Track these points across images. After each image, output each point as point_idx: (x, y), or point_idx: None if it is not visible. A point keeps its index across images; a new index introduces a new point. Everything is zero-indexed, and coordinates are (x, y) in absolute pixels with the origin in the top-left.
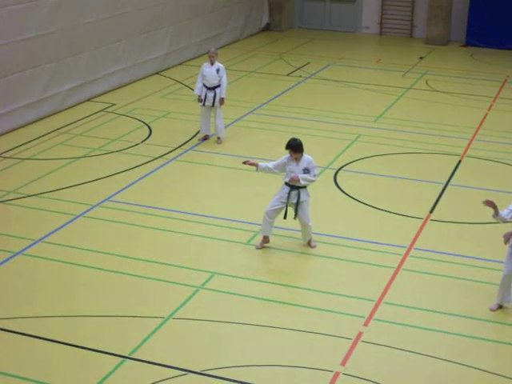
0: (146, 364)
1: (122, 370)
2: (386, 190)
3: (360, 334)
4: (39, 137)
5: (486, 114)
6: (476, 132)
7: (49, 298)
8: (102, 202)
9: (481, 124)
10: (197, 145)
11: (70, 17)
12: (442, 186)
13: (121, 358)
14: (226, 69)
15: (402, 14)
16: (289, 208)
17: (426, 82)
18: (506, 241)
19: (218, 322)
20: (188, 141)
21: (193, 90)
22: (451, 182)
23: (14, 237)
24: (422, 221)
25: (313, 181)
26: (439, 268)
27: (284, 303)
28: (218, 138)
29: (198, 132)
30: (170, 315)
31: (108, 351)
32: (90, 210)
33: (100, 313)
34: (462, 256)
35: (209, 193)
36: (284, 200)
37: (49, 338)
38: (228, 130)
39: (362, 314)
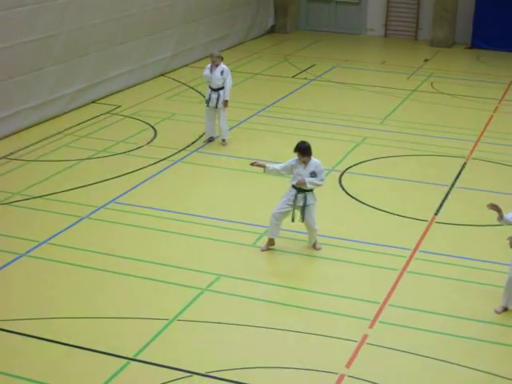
0: (150, 366)
1: (126, 371)
2: (391, 192)
3: (365, 336)
4: (44, 139)
5: (492, 116)
6: (481, 134)
7: (54, 300)
8: (107, 203)
9: (486, 126)
10: (202, 147)
11: (75, 19)
12: (448, 188)
13: (125, 360)
14: (232, 71)
15: (407, 16)
16: (296, 211)
17: (432, 84)
18: (511, 244)
19: (222, 324)
20: (193, 143)
21: (198, 91)
22: (456, 184)
23: (19, 238)
24: (427, 223)
25: (319, 185)
26: (444, 270)
27: (289, 305)
28: (223, 140)
29: (203, 134)
30: (175, 317)
31: (113, 353)
32: (95, 211)
33: (105, 314)
34: (467, 258)
35: (214, 194)
36: (291, 203)
37: (54, 339)
38: (233, 131)
39: (366, 316)
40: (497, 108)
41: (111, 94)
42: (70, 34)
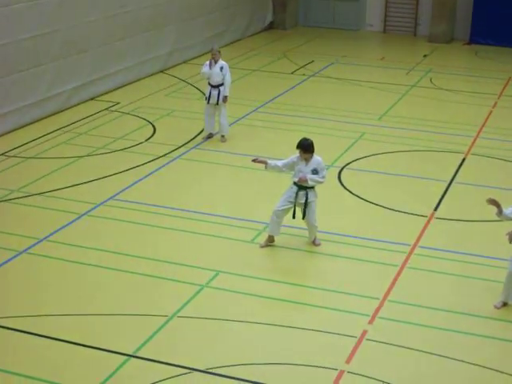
0: (150, 362)
1: (126, 368)
2: (390, 188)
3: (364, 332)
4: (43, 135)
5: (491, 111)
6: (480, 130)
7: (53, 297)
8: (106, 200)
9: (485, 122)
10: (201, 143)
11: (74, 15)
12: (447, 183)
13: (125, 357)
14: (230, 67)
15: (405, 12)
16: (297, 208)
17: (430, 80)
18: (511, 239)
19: (222, 321)
20: (192, 139)
21: (197, 88)
22: (455, 179)
23: (18, 235)
24: (427, 219)
25: (321, 182)
26: (443, 266)
27: (288, 301)
28: (222, 136)
29: (202, 130)
30: (175, 313)
31: (112, 349)
32: (94, 208)
33: (104, 311)
34: (466, 254)
35: (213, 191)
36: (292, 200)
37: (53, 336)
38: (232, 128)
39: (366, 312)
40: (496, 103)
41: (110, 91)
42: (68, 31)
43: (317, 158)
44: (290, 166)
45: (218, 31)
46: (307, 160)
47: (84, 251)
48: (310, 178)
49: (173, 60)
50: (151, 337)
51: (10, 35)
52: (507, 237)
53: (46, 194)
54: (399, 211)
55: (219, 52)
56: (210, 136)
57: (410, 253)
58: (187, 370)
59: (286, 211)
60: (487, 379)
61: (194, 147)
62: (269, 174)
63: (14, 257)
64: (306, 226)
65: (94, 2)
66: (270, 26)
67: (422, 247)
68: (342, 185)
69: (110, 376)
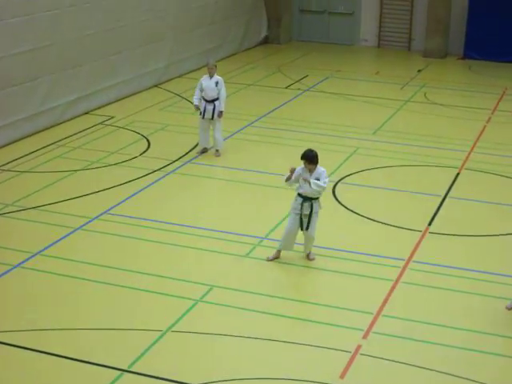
0: (144, 377)
1: (120, 383)
2: (384, 203)
3: (359, 346)
4: (38, 149)
5: (485, 126)
6: (474, 144)
7: (46, 311)
8: (101, 214)
9: (479, 136)
10: (195, 158)
11: (68, 29)
12: (441, 198)
13: (119, 372)
14: (225, 81)
15: (400, 27)
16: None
17: (425, 95)
18: None
19: (216, 335)
20: (186, 153)
21: (191, 102)
22: (450, 194)
23: (12, 250)
24: (421, 233)
25: (323, 187)
26: (438, 281)
27: (282, 316)
28: (217, 151)
29: (197, 145)
30: (169, 328)
31: (106, 364)
32: (88, 222)
33: (98, 326)
34: (461, 269)
35: (207, 206)
36: (298, 211)
37: (46, 351)
38: (227, 142)
39: (360, 326)
40: (490, 118)
41: (104, 105)
42: (63, 45)
43: (321, 168)
44: (297, 178)
45: (212, 45)
46: (311, 171)
47: (78, 265)
48: (313, 181)
49: (168, 74)
50: (145, 351)
51: (5, 49)
52: None
53: (40, 207)
54: (393, 226)
55: (215, 66)
56: (204, 150)
57: (405, 267)
58: None
59: (295, 224)
60: None
61: (188, 161)
62: (263, 189)
63: (8, 271)
64: (302, 241)
65: (89, 16)
66: (265, 41)
67: (416, 262)
68: (337, 199)
69: None
